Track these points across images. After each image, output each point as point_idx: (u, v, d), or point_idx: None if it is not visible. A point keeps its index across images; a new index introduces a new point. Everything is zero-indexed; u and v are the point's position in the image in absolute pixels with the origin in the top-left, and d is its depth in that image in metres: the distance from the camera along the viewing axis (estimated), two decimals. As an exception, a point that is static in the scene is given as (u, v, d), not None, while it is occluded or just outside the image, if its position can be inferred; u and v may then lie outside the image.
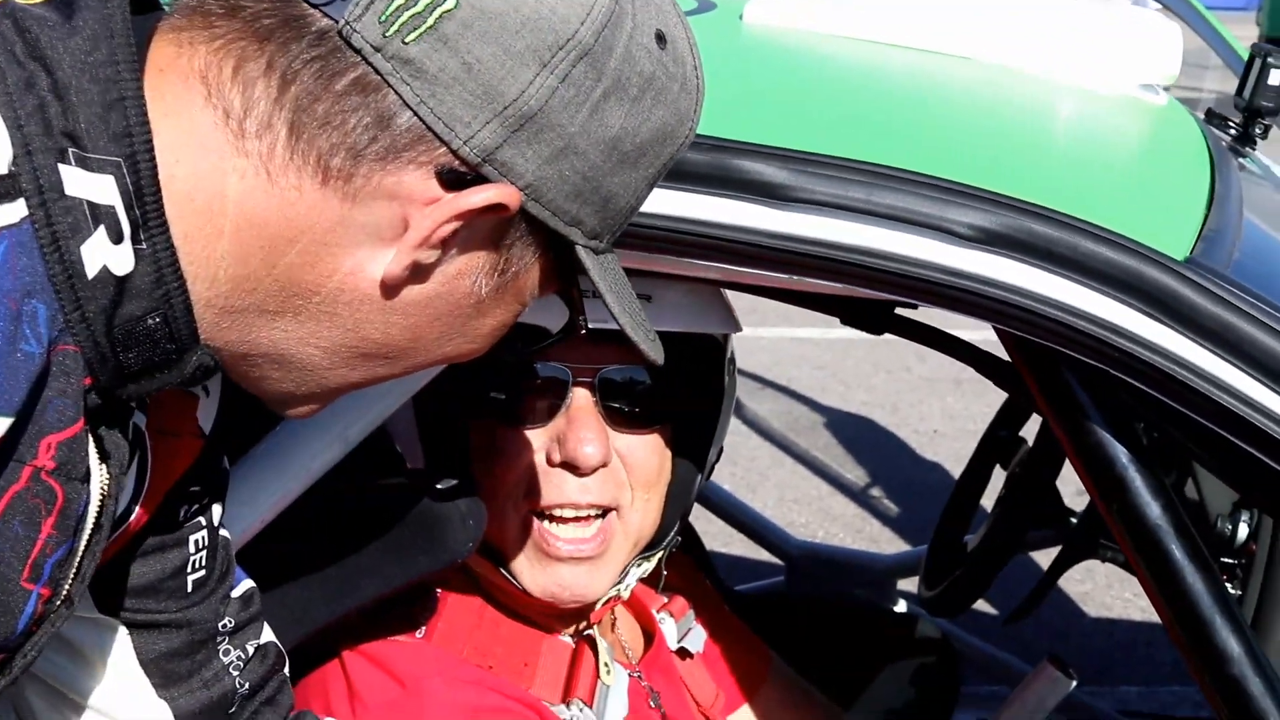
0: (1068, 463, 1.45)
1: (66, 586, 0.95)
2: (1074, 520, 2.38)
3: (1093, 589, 4.10)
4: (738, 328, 1.57)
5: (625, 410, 1.49)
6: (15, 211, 0.81)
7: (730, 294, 1.57)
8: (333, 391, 1.01)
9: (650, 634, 1.71)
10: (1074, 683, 1.92)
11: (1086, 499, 2.08)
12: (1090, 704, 2.87)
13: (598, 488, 1.48)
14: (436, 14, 0.87)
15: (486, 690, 1.45)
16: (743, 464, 4.91)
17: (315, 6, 0.87)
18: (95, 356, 0.88)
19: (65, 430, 0.88)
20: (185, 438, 1.11)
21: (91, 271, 0.85)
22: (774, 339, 6.24)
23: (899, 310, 1.53)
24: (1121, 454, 1.30)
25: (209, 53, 0.88)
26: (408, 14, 0.87)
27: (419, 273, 0.93)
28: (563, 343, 1.15)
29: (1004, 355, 1.40)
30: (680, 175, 1.24)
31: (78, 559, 0.95)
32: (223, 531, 1.22)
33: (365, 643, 1.48)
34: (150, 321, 0.88)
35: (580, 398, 1.47)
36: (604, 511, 1.50)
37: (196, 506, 1.17)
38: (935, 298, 1.25)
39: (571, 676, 1.53)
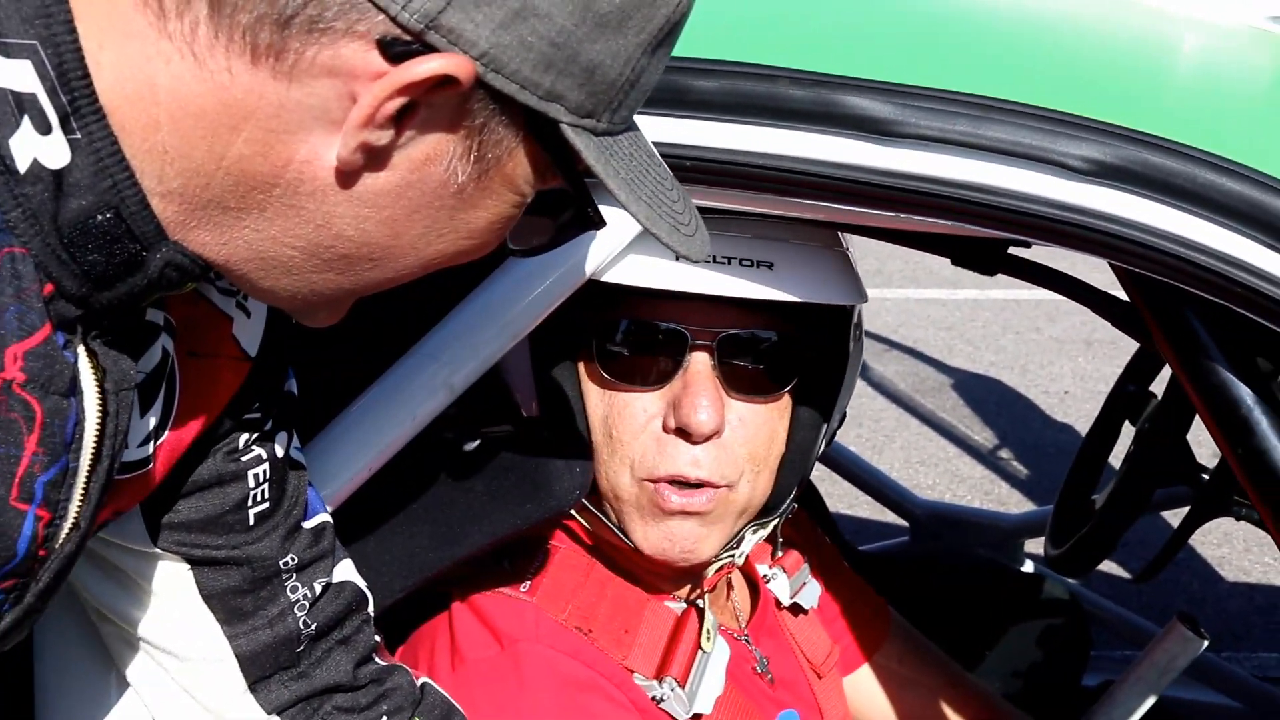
0: (1199, 419, 1.40)
1: (73, 509, 0.92)
2: (1205, 476, 2.31)
3: (1229, 553, 4.01)
4: (863, 298, 1.53)
5: (746, 372, 1.46)
6: None
7: (856, 254, 1.54)
8: (331, 298, 0.95)
9: (758, 593, 1.70)
10: (1205, 642, 1.87)
11: (1220, 456, 2.02)
12: (1227, 669, 2.79)
13: (709, 463, 1.45)
14: None
15: (581, 662, 1.44)
16: (869, 425, 4.87)
17: None
18: (50, 259, 0.84)
19: (28, 339, 0.84)
20: (224, 360, 1.08)
21: (23, 166, 0.80)
22: (900, 300, 6.18)
23: (1012, 250, 1.50)
24: (1246, 395, 1.26)
25: None
26: None
27: (376, 158, 0.85)
28: (572, 238, 1.03)
29: (1122, 295, 1.36)
30: (783, 112, 1.21)
31: (81, 480, 0.92)
32: (295, 460, 1.19)
33: (474, 595, 1.48)
34: (100, 218, 0.83)
35: (698, 361, 1.44)
36: (715, 487, 1.47)
37: (257, 435, 1.14)
38: (1048, 234, 1.21)
39: (670, 648, 1.51)
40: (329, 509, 1.26)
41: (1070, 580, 2.74)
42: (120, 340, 0.92)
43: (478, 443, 1.42)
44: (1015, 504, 4.28)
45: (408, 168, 0.86)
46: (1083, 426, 4.79)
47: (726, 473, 1.46)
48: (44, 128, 0.80)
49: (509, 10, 0.81)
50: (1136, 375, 2.46)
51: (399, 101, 0.82)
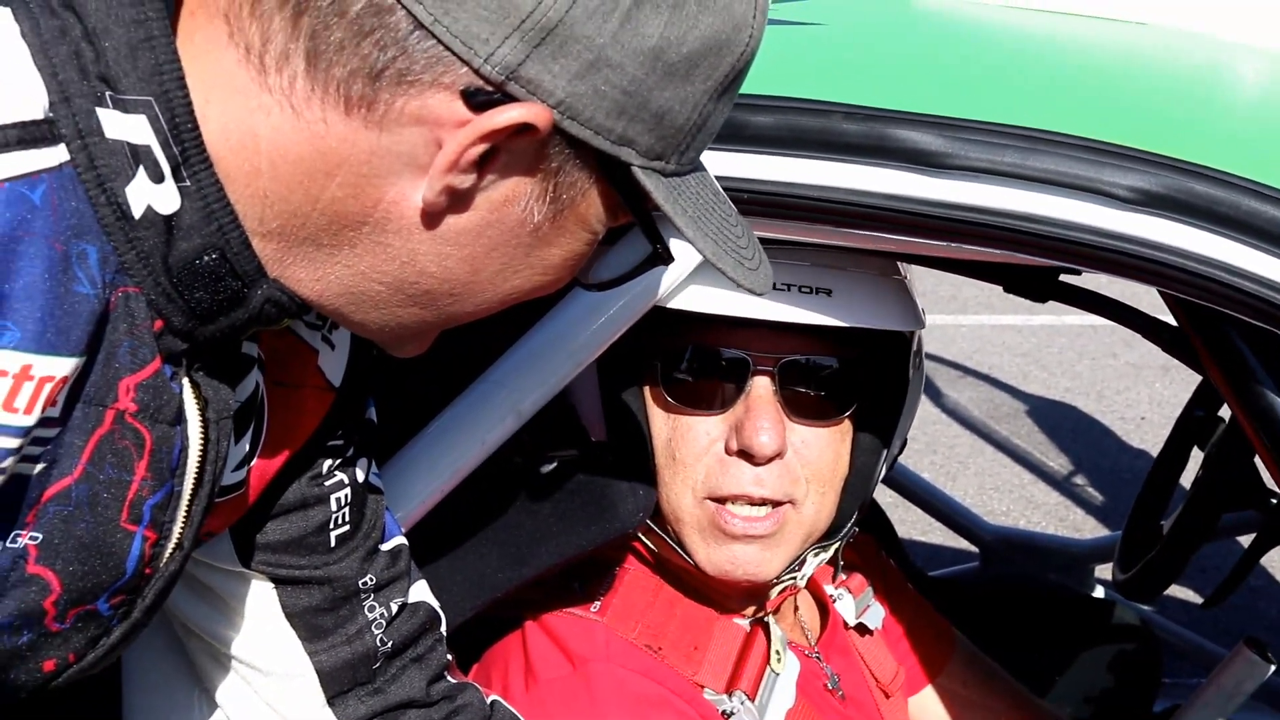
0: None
1: (176, 530, 0.98)
2: (1274, 501, 2.30)
3: (1300, 576, 3.97)
4: (921, 324, 1.56)
5: (807, 398, 1.50)
6: (54, 156, 0.83)
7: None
8: (416, 331, 1.00)
9: (826, 612, 1.73)
10: (1272, 666, 1.87)
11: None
12: (1296, 693, 2.77)
13: (772, 481, 1.48)
14: None
15: (652, 680, 1.47)
16: (943, 452, 4.86)
17: None
18: (160, 297, 0.89)
19: (140, 372, 0.90)
20: (309, 390, 1.13)
21: (138, 212, 0.86)
22: (975, 326, 6.16)
23: (1063, 277, 1.52)
24: (1295, 417, 1.27)
25: None
26: None
27: (459, 199, 0.90)
28: (644, 273, 1.07)
29: (1171, 320, 1.38)
30: (837, 145, 1.25)
31: (184, 504, 0.97)
32: (373, 485, 1.24)
33: (545, 615, 1.52)
34: (207, 259, 0.88)
35: (760, 385, 1.48)
36: (777, 504, 1.51)
37: (340, 461, 1.19)
38: (1096, 262, 1.24)
39: (740, 663, 1.54)
40: (403, 531, 1.31)
41: (1141, 605, 2.73)
42: (220, 371, 0.98)
43: (545, 467, 1.47)
44: (1090, 530, 4.26)
45: (488, 208, 0.91)
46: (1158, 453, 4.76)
47: (790, 490, 1.49)
48: (157, 177, 0.86)
49: (584, 62, 0.86)
50: (1205, 400, 2.46)
51: (481, 147, 0.86)
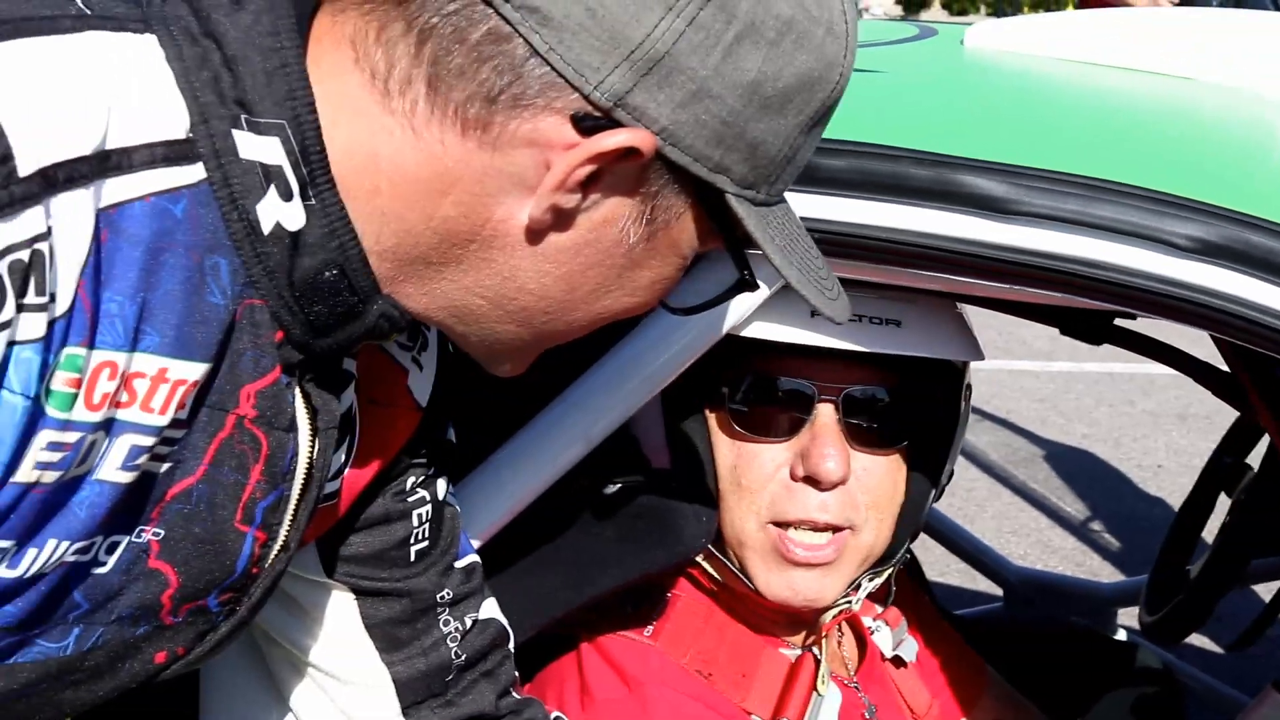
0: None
1: (283, 532, 1.03)
2: (1304, 547, 2.34)
3: (1325, 627, 3.98)
4: (980, 356, 1.60)
5: (866, 428, 1.54)
6: (193, 173, 0.88)
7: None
8: (513, 348, 1.04)
9: (864, 645, 1.77)
10: (1299, 710, 1.89)
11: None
12: (1320, 739, 2.79)
13: (836, 506, 1.52)
14: None
15: (703, 704, 1.51)
16: (961, 495, 4.89)
17: None
18: (282, 310, 0.94)
19: (261, 380, 0.95)
20: (399, 409, 1.18)
21: (267, 228, 0.91)
22: (993, 371, 6.20)
23: (1117, 321, 1.56)
24: (1345, 465, 1.31)
25: (358, 18, 0.92)
26: None
27: (562, 218, 0.94)
28: (728, 300, 1.12)
29: (1224, 366, 1.42)
30: (905, 190, 1.30)
31: (292, 506, 1.02)
32: (450, 503, 1.28)
33: (600, 637, 1.56)
34: (328, 274, 0.93)
35: (824, 414, 1.52)
36: (839, 529, 1.54)
37: (423, 478, 1.24)
38: (1154, 307, 1.27)
39: (786, 692, 1.57)
40: (475, 550, 1.36)
41: (1164, 650, 2.76)
42: (327, 384, 1.03)
43: (609, 490, 1.51)
44: (1106, 576, 4.28)
45: (588, 228, 0.96)
46: (1176, 500, 4.77)
47: (851, 516, 1.53)
48: (286, 195, 0.91)
49: (687, 92, 0.91)
50: (1233, 447, 2.50)
51: (588, 169, 0.92)
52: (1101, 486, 5.08)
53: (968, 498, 4.91)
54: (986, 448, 5.38)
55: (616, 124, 0.91)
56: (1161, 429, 5.64)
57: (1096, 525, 4.73)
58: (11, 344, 0.80)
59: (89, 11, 0.87)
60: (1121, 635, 2.93)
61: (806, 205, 1.30)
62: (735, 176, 0.96)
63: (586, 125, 0.90)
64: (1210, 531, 2.52)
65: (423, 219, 0.94)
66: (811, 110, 0.97)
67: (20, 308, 0.79)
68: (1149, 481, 5.11)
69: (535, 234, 0.95)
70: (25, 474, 0.84)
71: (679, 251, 1.01)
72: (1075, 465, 5.28)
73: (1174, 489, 4.86)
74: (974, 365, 1.63)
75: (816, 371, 1.52)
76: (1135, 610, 2.64)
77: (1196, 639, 3.49)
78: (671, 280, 1.03)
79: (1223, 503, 2.51)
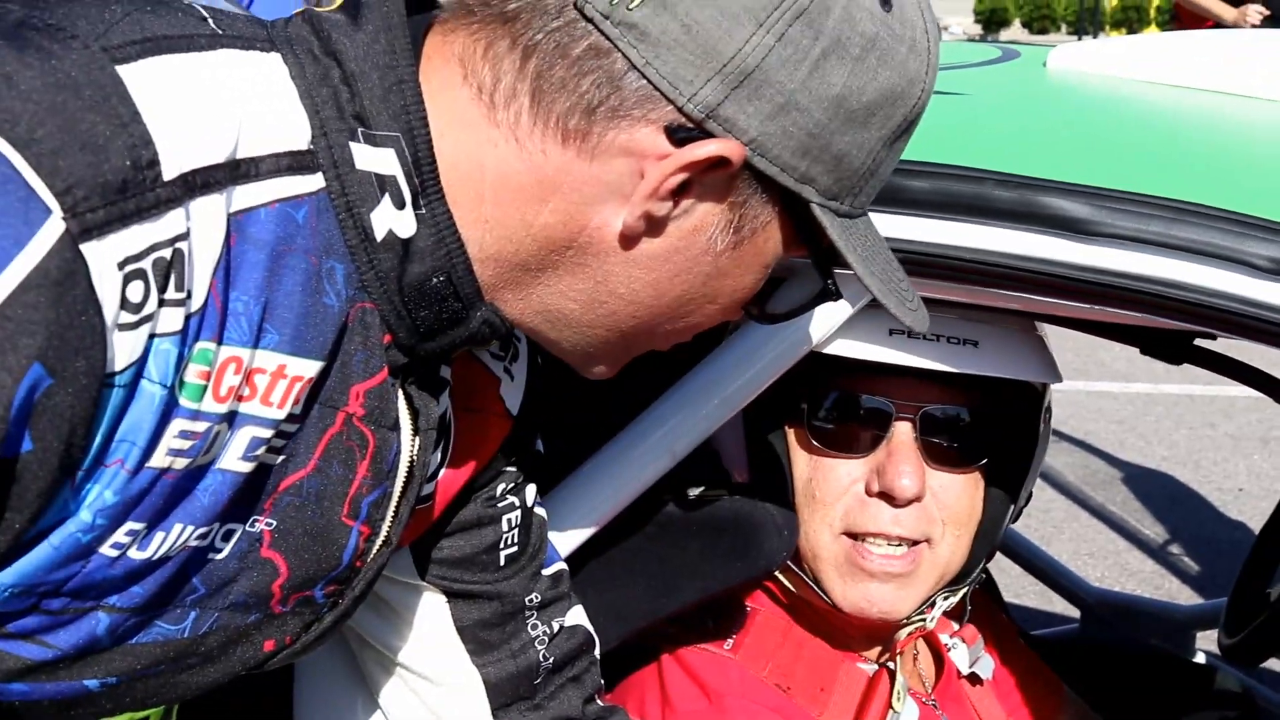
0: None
1: (385, 527, 1.07)
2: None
3: None
4: (1058, 378, 1.61)
5: (944, 447, 1.56)
6: (313, 182, 0.93)
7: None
8: (603, 353, 1.08)
9: (941, 662, 1.78)
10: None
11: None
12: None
13: (910, 521, 1.54)
14: None
15: (781, 717, 1.53)
16: (1038, 516, 4.87)
17: None
18: (391, 314, 0.99)
19: (370, 379, 1.00)
20: (492, 416, 1.22)
21: (380, 235, 0.95)
22: (1071, 392, 6.17)
23: (1198, 341, 1.57)
24: None
25: (466, 37, 0.97)
26: None
27: (654, 225, 0.98)
28: (811, 309, 1.15)
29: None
30: (989, 211, 1.32)
31: (394, 503, 1.07)
32: (538, 510, 1.32)
33: (681, 649, 1.59)
34: (435, 280, 0.98)
35: (901, 431, 1.54)
36: (914, 543, 1.57)
37: (512, 485, 1.28)
38: (1234, 328, 1.28)
39: (864, 707, 1.59)
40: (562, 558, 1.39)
41: (1243, 673, 2.74)
42: (428, 387, 1.08)
43: (692, 504, 1.54)
44: (1185, 599, 4.25)
45: (678, 235, 1.00)
46: (1256, 524, 4.73)
47: (927, 530, 1.56)
48: (400, 204, 0.96)
49: (775, 105, 0.95)
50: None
51: (680, 178, 0.96)
52: (1181, 509, 5.04)
53: (1044, 519, 4.89)
54: (1064, 469, 5.35)
55: (708, 135, 0.95)
56: (1242, 452, 5.58)
57: (1175, 548, 4.69)
58: (153, 336, 0.85)
59: (220, 31, 0.93)
60: (1200, 658, 2.91)
61: (891, 225, 1.32)
62: (820, 187, 0.99)
63: (680, 136, 0.95)
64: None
65: (523, 225, 0.98)
66: (894, 124, 1.00)
67: (162, 302, 0.84)
68: (1229, 505, 5.06)
69: (628, 240, 0.99)
70: (159, 460, 0.88)
71: (763, 260, 1.04)
72: (1154, 488, 5.23)
73: (1255, 513, 4.81)
74: (1052, 386, 1.64)
75: (895, 390, 1.54)
76: (1214, 633, 2.62)
77: (1276, 664, 3.45)
78: (752, 289, 1.07)
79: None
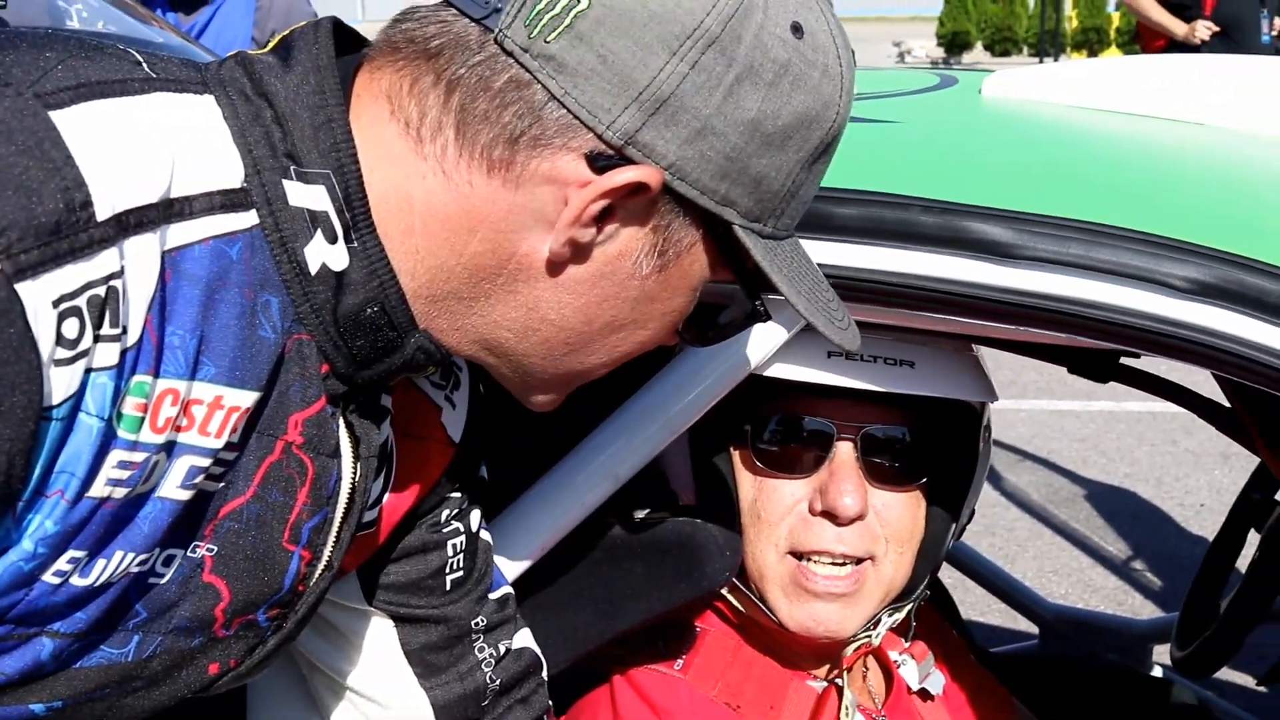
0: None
1: (327, 552, 1.10)
2: (1331, 582, 2.36)
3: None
4: (994, 397, 1.65)
5: (885, 466, 1.59)
6: (247, 219, 0.96)
7: (990, 366, 1.65)
8: (537, 381, 1.10)
9: (891, 678, 1.81)
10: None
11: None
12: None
13: (854, 539, 1.57)
14: (572, 14, 0.96)
15: None
16: (1002, 535, 4.90)
17: (476, 21, 0.98)
18: (328, 344, 1.02)
19: (308, 409, 1.03)
20: (433, 444, 1.25)
21: (314, 269, 0.99)
22: (1034, 411, 6.21)
23: (1124, 360, 1.60)
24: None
25: (392, 74, 1.00)
26: (548, 16, 0.96)
27: (580, 251, 1.01)
28: (741, 331, 1.18)
29: (1225, 401, 1.46)
30: (914, 236, 1.35)
31: (335, 528, 1.10)
32: (483, 535, 1.35)
33: (631, 670, 1.61)
34: (369, 310, 1.01)
35: (843, 452, 1.58)
36: (858, 561, 1.59)
37: (457, 511, 1.31)
38: (1155, 347, 1.31)
39: None
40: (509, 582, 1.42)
41: (1200, 687, 2.77)
42: (367, 415, 1.11)
43: (637, 527, 1.56)
44: (1148, 614, 4.27)
45: (604, 260, 1.03)
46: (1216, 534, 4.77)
47: (869, 547, 1.58)
48: (332, 238, 0.99)
49: (692, 129, 0.99)
50: (1262, 484, 2.52)
51: (602, 204, 0.99)
52: (1144, 526, 5.07)
53: (1009, 537, 4.92)
54: (1028, 488, 5.39)
55: (628, 161, 0.99)
56: (1204, 468, 5.63)
57: (1139, 564, 4.72)
58: (89, 370, 0.87)
59: (154, 75, 0.96)
60: (1157, 671, 2.95)
61: (820, 252, 1.35)
62: (741, 209, 1.03)
63: (600, 163, 0.98)
64: (1243, 567, 2.54)
65: (453, 255, 1.01)
66: (811, 147, 1.04)
67: (97, 338, 0.87)
68: (1191, 520, 5.10)
69: (555, 266, 1.02)
70: (99, 489, 0.91)
71: (690, 283, 1.07)
72: (1117, 505, 5.27)
73: (1216, 528, 4.81)
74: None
75: (836, 411, 1.57)
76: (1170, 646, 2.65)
77: (1232, 675, 3.49)
78: (681, 313, 1.10)
79: (1253, 538, 2.53)
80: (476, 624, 1.34)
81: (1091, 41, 34.70)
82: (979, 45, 40.34)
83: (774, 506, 1.59)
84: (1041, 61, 19.49)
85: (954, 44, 39.54)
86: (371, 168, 0.99)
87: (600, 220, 1.00)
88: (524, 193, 0.99)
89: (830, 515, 1.56)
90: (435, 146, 0.99)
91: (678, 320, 1.10)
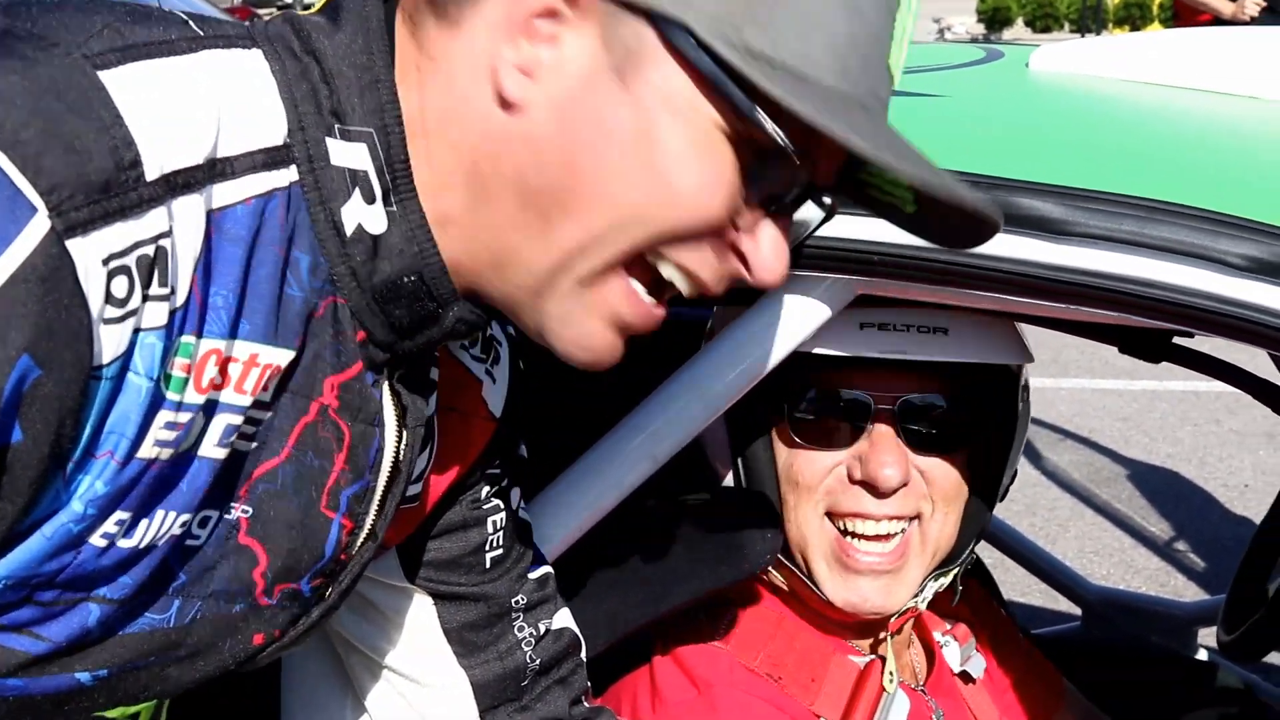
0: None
1: (369, 521, 1.09)
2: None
3: None
4: (1030, 358, 1.63)
5: (925, 434, 1.58)
6: (286, 176, 0.95)
7: (1031, 344, 1.63)
8: (548, 280, 0.98)
9: (933, 657, 1.79)
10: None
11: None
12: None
13: (897, 501, 1.57)
14: None
15: (773, 706, 1.55)
16: (1043, 514, 4.87)
17: None
18: (363, 311, 1.00)
19: (343, 373, 1.01)
20: (475, 419, 1.24)
21: (350, 229, 0.97)
22: (1075, 389, 6.17)
23: (1176, 339, 1.57)
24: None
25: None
26: None
27: (536, 83, 0.93)
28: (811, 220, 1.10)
29: (1281, 382, 1.43)
30: (963, 213, 1.32)
31: (377, 497, 1.08)
32: (523, 514, 1.34)
33: (673, 644, 1.60)
34: (407, 280, 0.99)
35: (882, 422, 1.57)
36: (904, 525, 1.59)
37: (497, 488, 1.30)
38: (1210, 326, 1.29)
39: (855, 696, 1.61)
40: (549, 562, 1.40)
41: (1246, 670, 2.74)
42: (413, 385, 1.09)
43: (678, 508, 1.55)
44: (1191, 596, 4.25)
45: (563, 93, 0.93)
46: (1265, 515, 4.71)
47: (918, 505, 1.58)
48: (369, 199, 0.98)
49: None
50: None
51: (540, 20, 0.93)
52: (1186, 506, 5.03)
53: (1050, 517, 4.89)
54: (1069, 467, 5.35)
55: None
56: (1248, 448, 5.57)
57: (1181, 545, 4.69)
58: (138, 330, 0.87)
59: (201, 33, 0.95)
60: (1203, 655, 2.91)
61: (865, 229, 1.33)
62: (704, 11, 0.91)
63: None
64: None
65: (453, 154, 0.98)
66: None
67: (146, 297, 0.86)
68: (1235, 501, 5.06)
69: (517, 108, 0.94)
70: (147, 450, 0.90)
71: (674, 107, 0.93)
72: (1159, 485, 5.23)
73: (1261, 508, 4.76)
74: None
75: (871, 382, 1.56)
76: (1215, 629, 2.62)
77: (1278, 658, 3.45)
78: (685, 157, 0.94)
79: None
80: (516, 603, 1.33)
81: (1134, 17, 34.41)
82: (1019, 21, 40.07)
83: (812, 479, 1.58)
84: (1084, 37, 19.35)
85: (994, 20, 39.29)
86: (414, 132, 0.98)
87: (543, 40, 0.93)
88: (467, 37, 0.96)
89: (870, 486, 1.55)
90: (426, 55, 0.98)
91: (690, 166, 0.94)
